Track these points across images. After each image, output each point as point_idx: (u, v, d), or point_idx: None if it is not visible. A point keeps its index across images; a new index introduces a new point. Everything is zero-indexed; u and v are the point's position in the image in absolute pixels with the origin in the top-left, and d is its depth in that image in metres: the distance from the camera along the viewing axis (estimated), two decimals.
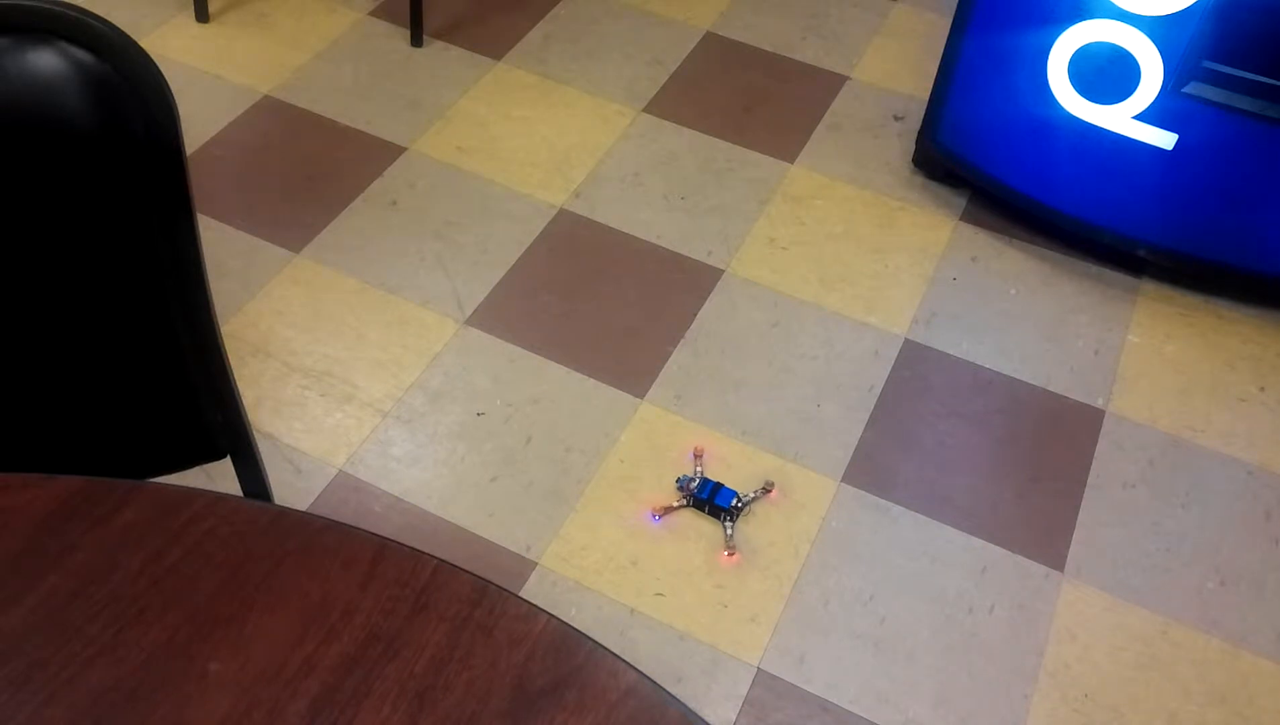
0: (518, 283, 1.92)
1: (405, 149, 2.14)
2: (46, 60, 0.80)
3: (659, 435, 1.71)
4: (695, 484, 1.62)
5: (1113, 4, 1.70)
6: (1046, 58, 1.81)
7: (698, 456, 1.68)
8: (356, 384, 1.75)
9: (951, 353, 1.86)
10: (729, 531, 1.60)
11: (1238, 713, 1.47)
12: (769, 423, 1.74)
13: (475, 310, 1.87)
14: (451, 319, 1.85)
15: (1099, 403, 1.81)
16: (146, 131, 0.83)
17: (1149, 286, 2.00)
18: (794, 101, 2.31)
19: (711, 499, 1.61)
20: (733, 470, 1.67)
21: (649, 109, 2.26)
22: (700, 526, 1.61)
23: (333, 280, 1.90)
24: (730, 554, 1.58)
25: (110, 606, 0.68)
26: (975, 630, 1.53)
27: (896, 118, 2.28)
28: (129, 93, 0.82)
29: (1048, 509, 1.67)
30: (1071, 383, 1.84)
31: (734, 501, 1.61)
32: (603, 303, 1.90)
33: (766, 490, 1.65)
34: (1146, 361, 1.88)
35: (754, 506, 1.63)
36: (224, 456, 1.04)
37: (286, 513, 0.75)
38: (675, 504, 1.62)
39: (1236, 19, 1.63)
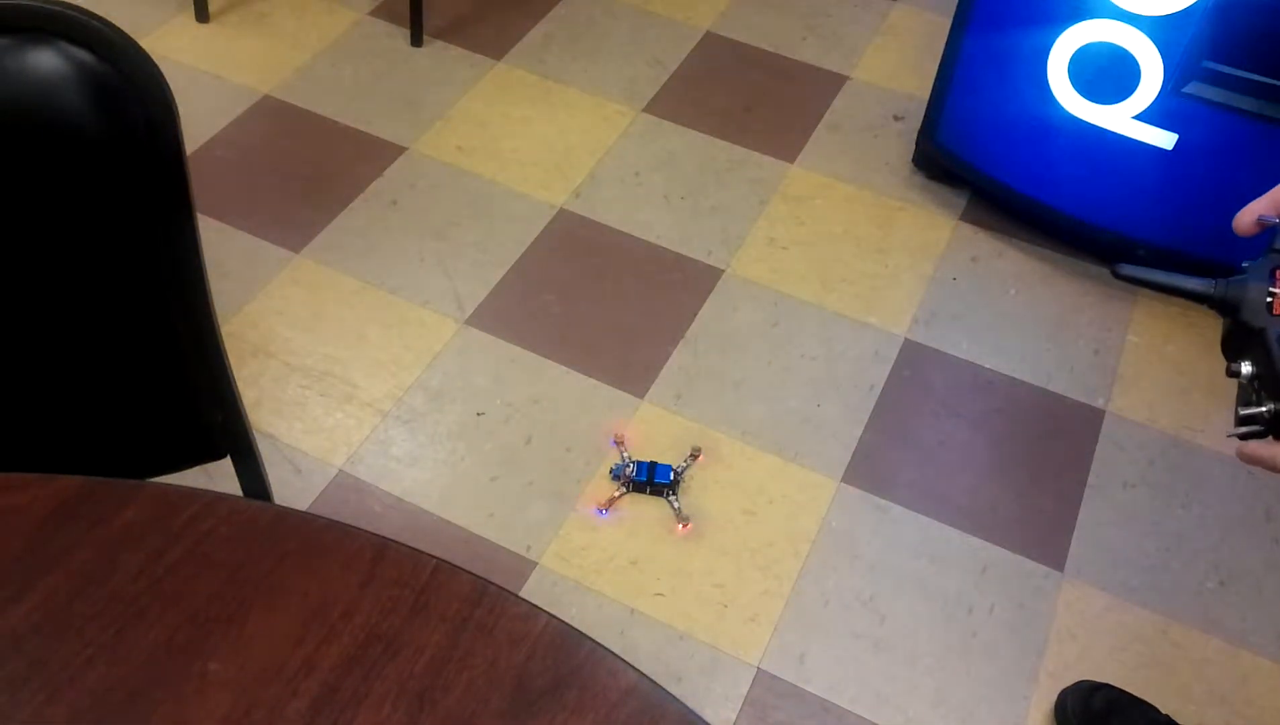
0: (518, 283, 1.92)
1: (405, 149, 2.14)
2: (47, 60, 0.80)
3: (659, 435, 1.71)
4: (630, 469, 1.63)
5: (1113, 4, 1.70)
6: (1046, 58, 1.81)
7: (619, 443, 1.69)
8: (356, 384, 1.75)
9: (951, 353, 1.86)
10: (676, 505, 1.61)
11: (1237, 712, 1.47)
12: (769, 423, 1.74)
13: (475, 310, 1.87)
14: (451, 319, 1.85)
15: (1099, 403, 1.81)
16: (147, 131, 0.83)
17: None
18: (794, 101, 2.31)
19: (651, 479, 1.62)
20: (732, 470, 1.67)
21: (649, 109, 2.26)
22: (643, 510, 1.62)
23: (333, 280, 1.90)
24: (684, 525, 1.60)
25: (110, 606, 0.68)
26: (975, 630, 1.53)
27: (896, 118, 2.28)
28: (129, 93, 0.81)
29: (1048, 509, 1.67)
30: (1071, 383, 1.83)
31: (672, 475, 1.63)
32: (603, 303, 1.90)
33: (694, 456, 1.67)
34: (1146, 361, 1.88)
35: (689, 475, 1.65)
36: (224, 456, 1.04)
37: (286, 513, 0.75)
38: (617, 494, 1.63)
39: (1236, 19, 1.63)
